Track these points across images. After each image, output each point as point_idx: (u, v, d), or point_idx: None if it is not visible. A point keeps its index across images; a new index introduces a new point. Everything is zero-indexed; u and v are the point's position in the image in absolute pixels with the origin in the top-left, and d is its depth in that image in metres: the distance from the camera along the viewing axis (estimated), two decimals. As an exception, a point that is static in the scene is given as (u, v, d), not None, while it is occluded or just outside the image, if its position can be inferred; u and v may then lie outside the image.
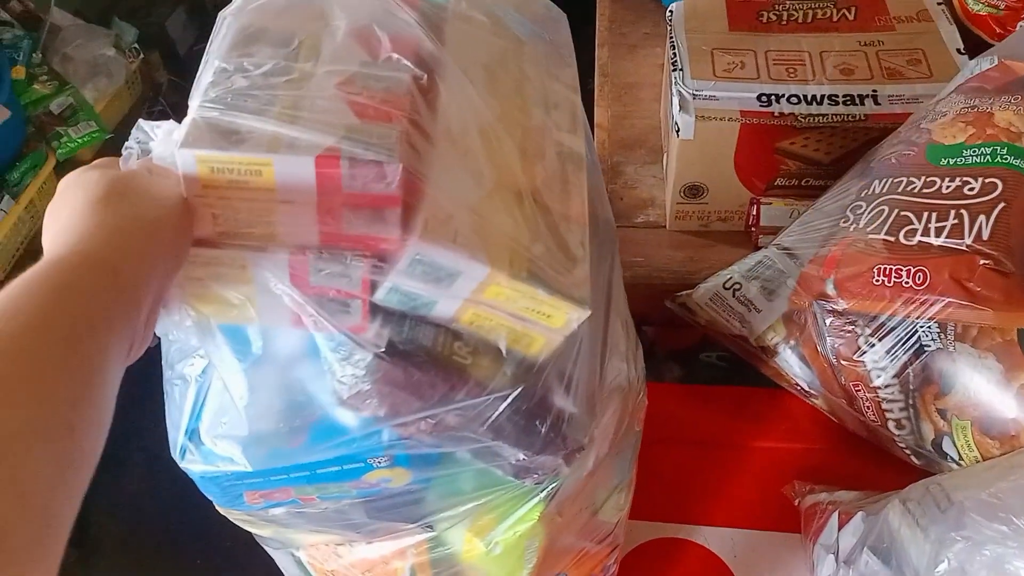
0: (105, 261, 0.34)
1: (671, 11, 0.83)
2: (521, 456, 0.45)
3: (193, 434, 0.45)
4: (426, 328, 0.42)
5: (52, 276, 0.32)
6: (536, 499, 0.48)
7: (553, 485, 0.48)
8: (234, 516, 0.50)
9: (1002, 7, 0.83)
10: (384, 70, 0.41)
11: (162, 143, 0.40)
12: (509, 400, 0.43)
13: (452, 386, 0.42)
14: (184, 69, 1.42)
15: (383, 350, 0.41)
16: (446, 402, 0.42)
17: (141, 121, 0.41)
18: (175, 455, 0.46)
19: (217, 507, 0.49)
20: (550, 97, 0.50)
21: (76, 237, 0.34)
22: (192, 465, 0.45)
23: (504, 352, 0.43)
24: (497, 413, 0.43)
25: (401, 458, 0.45)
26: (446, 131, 0.41)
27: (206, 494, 0.47)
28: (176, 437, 0.46)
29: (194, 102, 0.38)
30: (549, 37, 0.54)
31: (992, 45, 0.69)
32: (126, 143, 0.42)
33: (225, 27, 0.41)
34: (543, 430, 0.45)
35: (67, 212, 0.36)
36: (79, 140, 1.35)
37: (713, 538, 0.63)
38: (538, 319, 0.42)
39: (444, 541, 0.52)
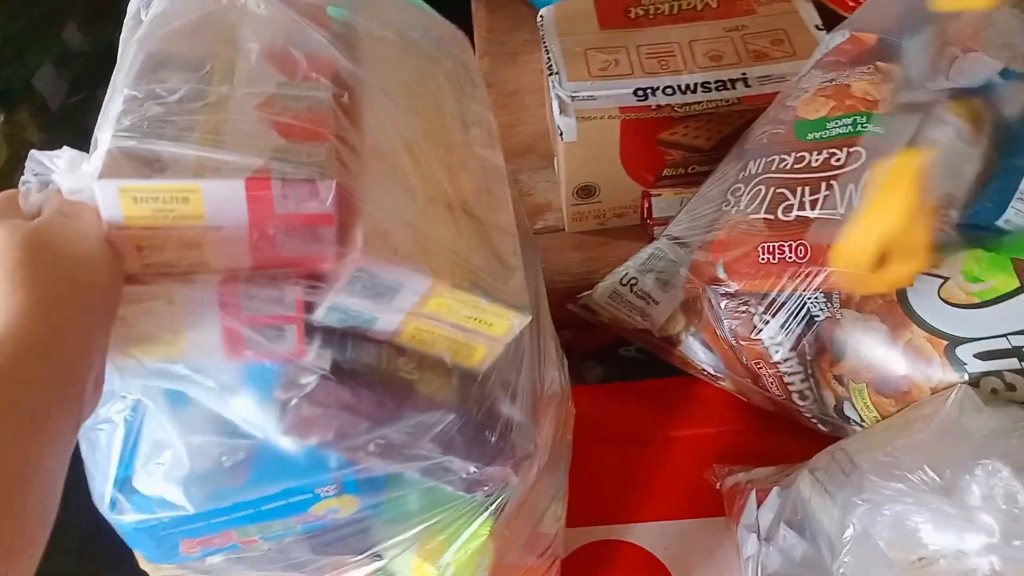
0: (39, 345, 0.31)
1: (542, 16, 0.84)
2: (472, 469, 0.45)
3: (123, 483, 0.43)
4: (368, 346, 0.41)
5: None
6: (486, 514, 0.48)
7: (502, 497, 0.48)
8: (163, 571, 0.47)
9: (853, -19, 0.87)
10: (303, 90, 0.40)
11: (69, 175, 0.37)
12: (458, 413, 0.43)
13: (400, 403, 0.42)
14: (59, 125, 1.35)
15: (327, 372, 0.40)
16: (395, 420, 0.42)
17: (35, 152, 0.39)
18: (103, 508, 0.43)
19: (143, 563, 0.46)
20: (467, 115, 0.51)
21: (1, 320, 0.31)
22: (124, 516, 0.42)
23: (449, 364, 0.44)
24: (446, 427, 0.43)
25: (349, 484, 0.45)
26: (373, 147, 0.41)
27: (136, 548, 0.44)
28: (103, 487, 0.43)
29: (105, 133, 0.36)
30: (456, 57, 0.54)
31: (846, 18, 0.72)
32: (23, 177, 0.39)
33: (132, 54, 0.40)
34: (493, 440, 0.45)
35: None
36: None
37: (643, 534, 0.63)
38: (480, 328, 0.43)
39: (392, 571, 0.50)
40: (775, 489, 0.55)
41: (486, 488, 0.47)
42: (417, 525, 0.47)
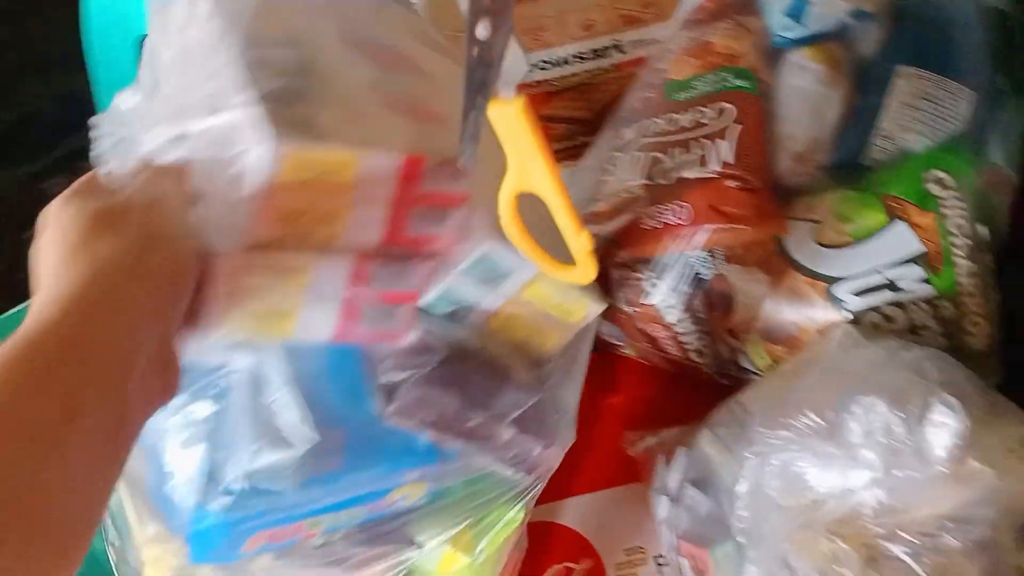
0: (77, 342, 0.30)
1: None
2: (538, 450, 0.47)
3: (210, 475, 0.41)
4: (468, 330, 0.43)
5: (18, 364, 0.29)
6: (525, 499, 0.50)
7: (541, 483, 0.50)
8: (205, 571, 0.45)
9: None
10: (396, 75, 0.41)
11: (155, 138, 0.35)
12: (540, 395, 0.46)
13: (498, 386, 0.44)
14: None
15: (438, 357, 0.41)
16: (490, 403, 0.44)
17: (95, 120, 0.38)
18: (186, 504, 0.40)
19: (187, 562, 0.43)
20: None
21: (48, 303, 0.30)
22: (213, 506, 0.40)
23: (536, 350, 0.46)
24: (528, 408, 0.45)
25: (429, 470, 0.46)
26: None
27: (196, 546, 0.42)
28: (186, 497, 0.40)
29: (236, 97, 0.34)
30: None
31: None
32: (92, 153, 0.38)
33: (226, 30, 0.36)
34: (557, 421, 0.48)
35: (45, 259, 0.33)
36: None
37: (563, 511, 0.63)
38: (560, 315, 0.45)
39: (419, 565, 0.50)
40: (681, 450, 0.56)
41: (539, 469, 0.48)
42: (461, 513, 0.48)
